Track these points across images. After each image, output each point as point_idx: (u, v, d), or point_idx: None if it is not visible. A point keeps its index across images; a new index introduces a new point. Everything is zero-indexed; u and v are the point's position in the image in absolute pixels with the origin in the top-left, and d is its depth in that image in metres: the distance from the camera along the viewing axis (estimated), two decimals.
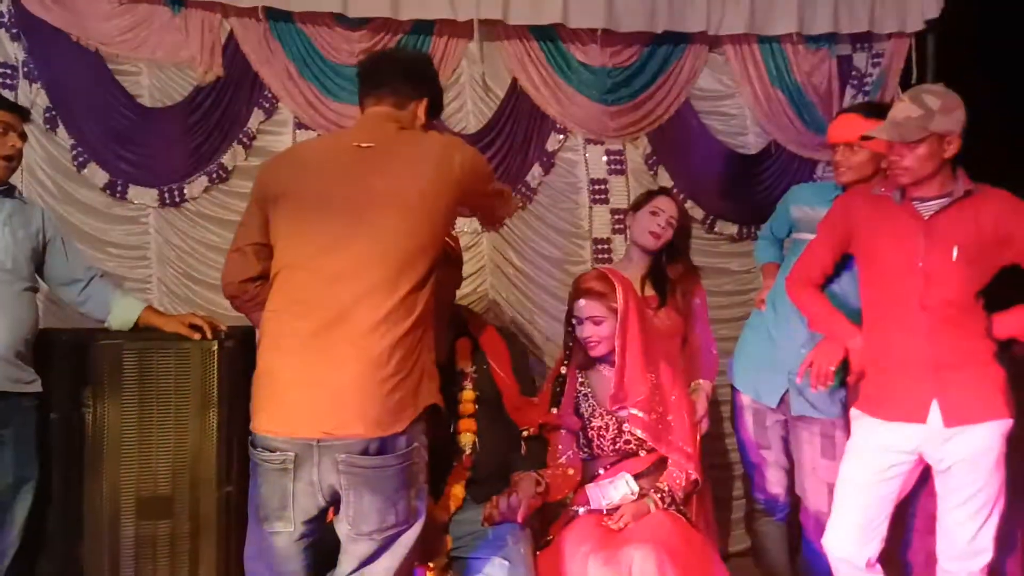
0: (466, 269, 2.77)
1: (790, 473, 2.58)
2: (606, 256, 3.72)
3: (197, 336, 2.36)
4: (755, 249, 2.94)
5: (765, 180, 3.81)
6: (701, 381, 2.56)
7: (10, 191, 2.38)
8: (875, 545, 2.04)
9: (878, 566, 2.06)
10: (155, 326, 2.43)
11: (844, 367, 2.25)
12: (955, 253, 2.00)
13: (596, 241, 3.73)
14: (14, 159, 2.36)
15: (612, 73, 3.64)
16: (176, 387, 2.30)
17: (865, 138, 2.10)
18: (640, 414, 2.14)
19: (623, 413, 2.18)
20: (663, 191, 2.83)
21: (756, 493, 2.59)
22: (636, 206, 2.74)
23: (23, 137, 2.39)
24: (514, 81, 3.62)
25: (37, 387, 2.29)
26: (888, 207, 2.11)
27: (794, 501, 2.58)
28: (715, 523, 2.40)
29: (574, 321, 2.24)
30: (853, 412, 2.13)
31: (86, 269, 2.49)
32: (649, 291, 2.64)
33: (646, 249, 2.68)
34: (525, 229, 3.67)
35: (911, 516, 2.16)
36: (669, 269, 2.66)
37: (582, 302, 2.21)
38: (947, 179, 2.06)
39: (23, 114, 2.43)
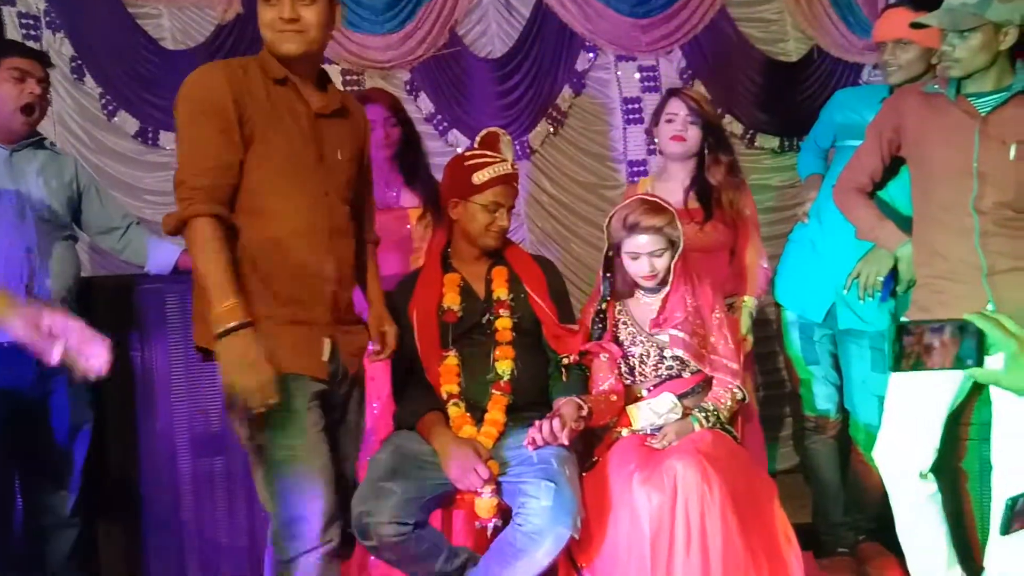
0: None
1: (839, 388, 2.53)
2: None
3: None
4: (797, 161, 2.83)
5: (807, 89, 3.66)
6: (745, 298, 2.45)
7: (40, 142, 2.38)
8: (928, 455, 1.99)
9: (931, 476, 2.02)
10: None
11: (893, 276, 2.17)
12: (1013, 152, 1.88)
13: (631, 163, 3.64)
14: (35, 108, 2.29)
15: None
16: None
17: (915, 26, 1.95)
18: (681, 335, 2.09)
19: (663, 337, 2.14)
20: (671, 92, 2.63)
21: (805, 410, 2.55)
22: (654, 117, 2.63)
23: (43, 84, 2.32)
24: None
25: None
26: (941, 104, 1.99)
27: (844, 417, 2.54)
28: (763, 440, 2.36)
29: (626, 256, 2.16)
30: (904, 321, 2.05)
31: (123, 217, 2.50)
32: (693, 203, 2.49)
33: (677, 158, 2.54)
34: (557, 155, 3.60)
35: (964, 425, 2.10)
36: (711, 174, 2.48)
37: (643, 239, 2.10)
38: (1005, 72, 1.93)
39: (41, 60, 2.36)
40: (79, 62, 3.20)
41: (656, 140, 2.64)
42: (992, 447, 1.98)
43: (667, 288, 2.17)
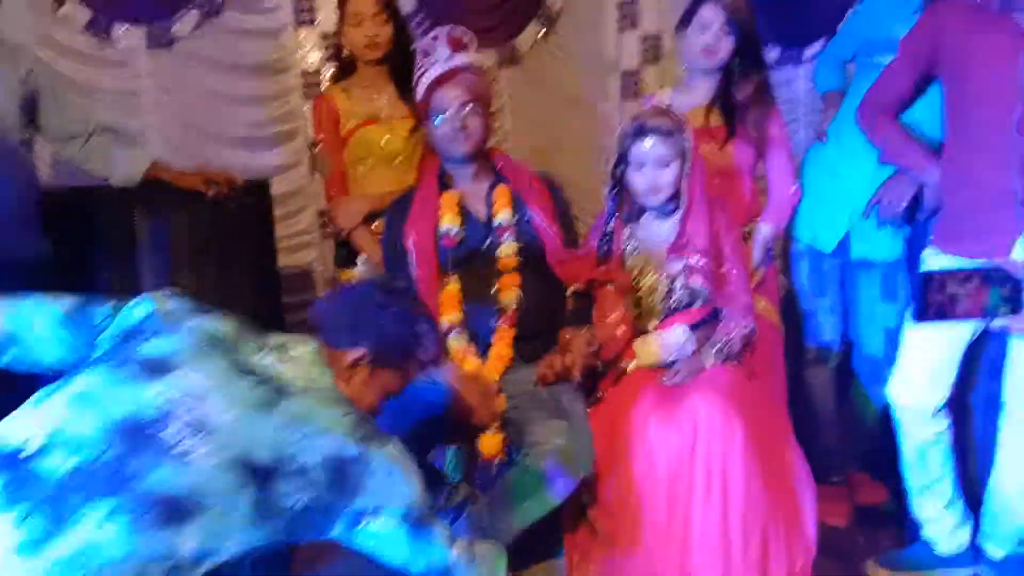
0: None
1: (843, 318, 2.46)
2: (635, 91, 3.45)
3: (212, 192, 2.17)
4: (814, 74, 2.66)
5: None
6: (760, 224, 2.31)
7: None
8: (944, 392, 1.95)
9: (945, 410, 1.99)
10: (165, 181, 2.24)
11: (913, 203, 2.07)
12: None
13: (625, 74, 3.44)
14: None
15: None
16: (193, 250, 2.14)
17: None
18: (702, 262, 1.98)
19: (676, 264, 2.02)
20: None
21: (808, 341, 2.49)
22: (681, 23, 2.38)
23: None
24: None
25: (43, 252, 2.12)
26: (986, 18, 1.85)
27: (845, 348, 2.49)
28: (784, 372, 2.29)
29: (627, 165, 2.02)
30: (927, 251, 1.97)
31: (85, 123, 2.25)
32: (716, 120, 2.26)
33: (706, 71, 2.31)
34: (546, 61, 3.37)
35: (976, 359, 2.06)
36: (738, 90, 2.24)
37: (647, 142, 1.96)
38: None
39: None
40: None
41: (678, 45, 2.39)
42: (1005, 390, 1.94)
43: (681, 209, 2.04)
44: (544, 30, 3.33)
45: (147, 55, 3.02)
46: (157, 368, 1.22)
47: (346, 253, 2.43)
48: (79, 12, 2.93)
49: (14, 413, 1.23)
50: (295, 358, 1.33)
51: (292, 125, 3.18)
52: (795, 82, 3.45)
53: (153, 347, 1.26)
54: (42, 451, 1.13)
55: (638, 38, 3.42)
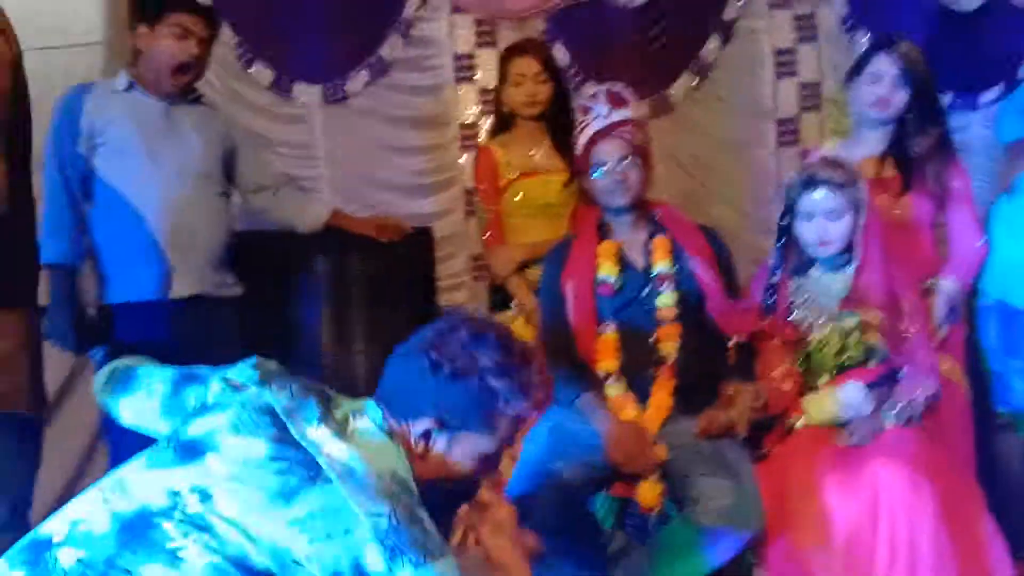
0: None
1: None
2: (793, 138, 3.38)
3: (384, 238, 2.31)
4: (996, 123, 2.51)
5: (983, 42, 3.27)
6: (942, 280, 2.19)
7: (198, 98, 2.33)
8: None
9: None
10: (344, 227, 2.40)
11: None
12: None
13: (781, 122, 3.37)
14: (190, 68, 2.18)
15: None
16: (364, 291, 2.27)
17: None
18: (878, 318, 1.89)
19: (849, 320, 1.94)
20: (878, 45, 2.29)
21: (997, 406, 2.31)
22: (852, 73, 2.32)
23: (204, 44, 2.19)
24: None
25: (237, 290, 2.32)
26: None
27: None
28: (973, 440, 2.13)
29: (794, 216, 1.97)
30: None
31: (274, 175, 2.46)
32: (890, 172, 2.19)
33: (875, 123, 2.24)
34: (700, 110, 3.36)
35: None
36: (915, 144, 2.18)
37: (817, 193, 1.92)
38: None
39: (207, 16, 2.21)
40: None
41: (849, 97, 2.33)
42: None
43: (855, 262, 1.96)
44: (698, 79, 3.32)
45: (322, 111, 3.26)
46: (191, 451, 1.14)
47: (501, 298, 2.50)
48: (264, 72, 3.21)
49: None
50: (360, 431, 1.16)
51: (450, 175, 3.32)
52: (969, 128, 3.25)
53: (198, 426, 1.17)
54: (64, 541, 1.09)
55: (796, 85, 3.35)
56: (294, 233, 2.38)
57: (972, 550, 1.75)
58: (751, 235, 3.22)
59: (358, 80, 3.25)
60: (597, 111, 2.07)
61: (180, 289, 2.18)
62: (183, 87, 2.24)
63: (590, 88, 3.18)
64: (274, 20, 3.18)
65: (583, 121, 2.10)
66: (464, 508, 1.31)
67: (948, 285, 2.15)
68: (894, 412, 1.86)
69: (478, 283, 3.31)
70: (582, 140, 2.09)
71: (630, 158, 2.04)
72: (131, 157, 2.17)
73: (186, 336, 2.13)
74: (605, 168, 2.05)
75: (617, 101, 2.08)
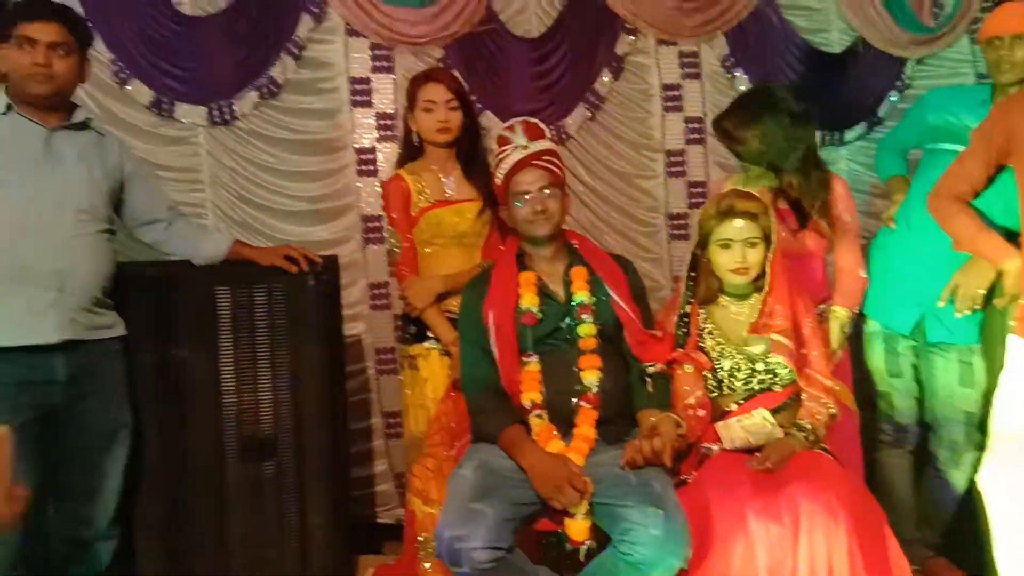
0: None
1: (919, 401, 2.45)
2: (679, 169, 3.52)
3: (294, 269, 2.21)
4: (877, 162, 2.72)
5: (850, 82, 3.55)
6: (836, 308, 2.33)
7: (83, 124, 2.14)
8: None
9: None
10: (248, 260, 2.27)
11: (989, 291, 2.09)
12: None
13: (669, 153, 3.51)
14: (44, 79, 2.00)
15: None
16: (272, 324, 2.15)
17: None
18: (785, 341, 1.99)
19: (756, 348, 2.02)
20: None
21: (883, 423, 2.48)
22: None
23: (57, 50, 2.01)
24: None
25: (120, 331, 2.14)
26: None
27: (922, 431, 2.47)
28: (862, 460, 2.27)
29: (717, 245, 2.04)
30: (1012, 340, 1.98)
31: (168, 208, 2.29)
32: (783, 205, 2.34)
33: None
34: (593, 142, 3.45)
35: None
36: (801, 178, 2.32)
37: (738, 223, 2.00)
38: None
39: (59, 20, 2.03)
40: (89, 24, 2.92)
41: None
42: None
43: (765, 289, 2.06)
44: (591, 112, 3.41)
45: (207, 132, 3.09)
46: None
47: (417, 331, 2.43)
48: (142, 90, 3.01)
49: None
50: None
51: (346, 201, 3.22)
52: (837, 164, 3.52)
53: None
54: None
55: (682, 119, 3.50)
56: (190, 265, 2.22)
57: (880, 567, 1.85)
58: (641, 264, 3.32)
59: (247, 101, 3.11)
60: (517, 140, 2.07)
61: (49, 334, 1.99)
62: (44, 100, 2.05)
63: (488, 117, 3.26)
64: (153, 36, 2.99)
65: (502, 151, 2.10)
66: None
67: (841, 312, 2.30)
68: (802, 435, 1.96)
69: (376, 313, 3.23)
70: (503, 169, 2.08)
71: (551, 188, 2.06)
72: (5, 186, 1.97)
73: (61, 380, 1.98)
74: (528, 197, 2.05)
75: (534, 132, 2.10)
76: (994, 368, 2.14)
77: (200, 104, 3.07)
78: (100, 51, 2.96)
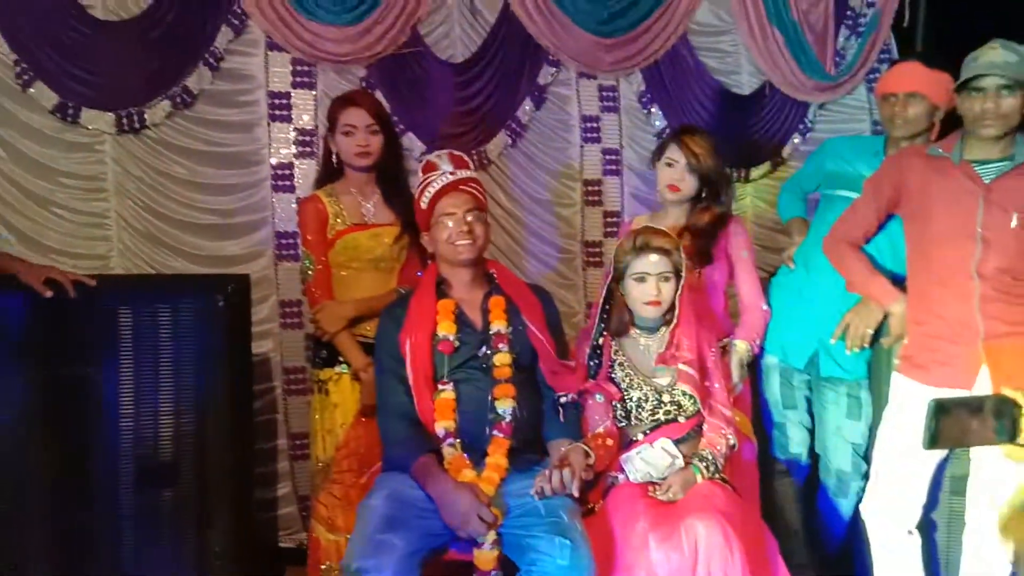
0: None
1: (811, 432, 2.57)
2: (596, 199, 3.61)
3: (49, 294, 1.98)
4: (779, 202, 2.86)
5: (757, 122, 3.73)
6: (737, 342, 2.43)
7: None
8: (917, 513, 2.06)
9: (916, 532, 2.08)
10: (10, 273, 2.04)
11: (877, 329, 2.22)
12: (1015, 220, 1.96)
13: (587, 182, 3.59)
14: None
15: (609, 2, 3.44)
16: (178, 345, 2.07)
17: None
18: (691, 372, 2.06)
19: (662, 379, 2.09)
20: (675, 136, 2.55)
21: (776, 453, 2.59)
22: (654, 156, 2.58)
23: None
24: (506, 6, 3.38)
25: None
26: (945, 168, 2.05)
27: (812, 461, 2.59)
28: (758, 489, 2.36)
29: (632, 279, 2.11)
30: (895, 377, 2.11)
31: None
32: (687, 241, 2.41)
33: (670, 203, 2.50)
34: (514, 168, 3.50)
35: (939, 477, 2.18)
36: (695, 219, 2.44)
37: (653, 258, 2.07)
38: (1011, 142, 2.01)
39: None
40: None
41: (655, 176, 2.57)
42: (968, 508, 2.05)
43: (672, 324, 2.14)
44: (512, 139, 3.45)
45: (114, 140, 2.98)
46: None
47: (328, 355, 2.40)
48: (47, 94, 2.88)
49: None
50: None
51: (260, 216, 3.16)
52: (742, 200, 3.68)
53: None
54: None
55: (600, 151, 3.59)
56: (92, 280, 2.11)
57: None
58: (556, 290, 3.38)
59: (159, 110, 3.01)
60: (443, 167, 2.09)
61: None
62: None
63: (410, 139, 3.26)
64: (62, 38, 2.86)
65: (428, 178, 2.11)
66: None
67: (742, 346, 2.41)
68: (703, 465, 2.03)
69: (286, 331, 3.17)
70: (428, 193, 2.09)
71: (476, 212, 2.08)
72: None
73: None
74: (454, 219, 2.06)
75: (460, 163, 2.13)
76: (880, 402, 2.28)
77: (108, 111, 2.95)
78: (3, 52, 2.83)
